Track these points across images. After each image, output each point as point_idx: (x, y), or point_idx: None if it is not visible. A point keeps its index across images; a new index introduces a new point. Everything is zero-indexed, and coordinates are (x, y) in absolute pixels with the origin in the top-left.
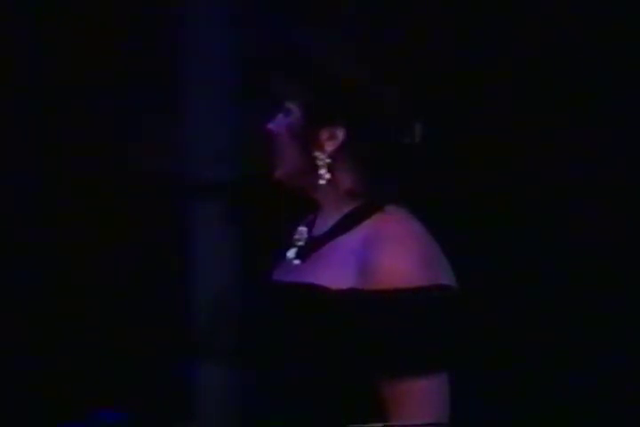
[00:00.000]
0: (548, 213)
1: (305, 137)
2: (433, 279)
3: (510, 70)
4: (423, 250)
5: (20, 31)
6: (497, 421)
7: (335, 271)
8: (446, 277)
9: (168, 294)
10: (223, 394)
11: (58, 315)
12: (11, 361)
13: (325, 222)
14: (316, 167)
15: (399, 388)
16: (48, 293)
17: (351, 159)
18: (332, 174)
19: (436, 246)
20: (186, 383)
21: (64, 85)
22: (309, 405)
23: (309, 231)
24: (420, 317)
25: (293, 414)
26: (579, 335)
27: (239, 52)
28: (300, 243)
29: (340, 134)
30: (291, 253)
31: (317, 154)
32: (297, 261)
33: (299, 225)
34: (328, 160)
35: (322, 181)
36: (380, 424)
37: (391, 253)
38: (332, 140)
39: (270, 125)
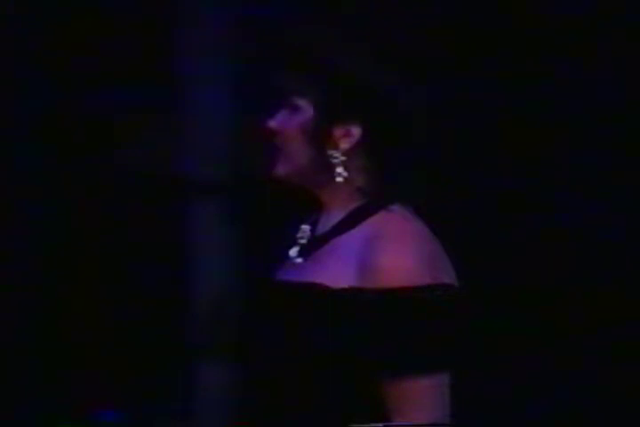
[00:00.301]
0: (550, 212)
1: (319, 135)
2: (435, 278)
3: (519, 70)
4: (425, 249)
5: (19, 31)
6: (498, 421)
7: (337, 270)
8: (448, 276)
9: (168, 294)
10: (223, 394)
11: (58, 315)
12: (11, 361)
13: (329, 221)
14: (328, 165)
15: (400, 387)
16: (48, 292)
17: (365, 157)
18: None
19: (438, 245)
20: (186, 383)
21: (64, 85)
22: (310, 404)
23: (312, 230)
24: (422, 316)
25: (294, 413)
26: (579, 335)
27: (239, 52)
28: (303, 241)
29: (356, 132)
30: (293, 252)
31: (332, 152)
32: (299, 260)
33: (301, 224)
34: (343, 158)
35: (339, 179)
36: (381, 424)
37: (393, 252)
38: (346, 137)
39: (272, 123)
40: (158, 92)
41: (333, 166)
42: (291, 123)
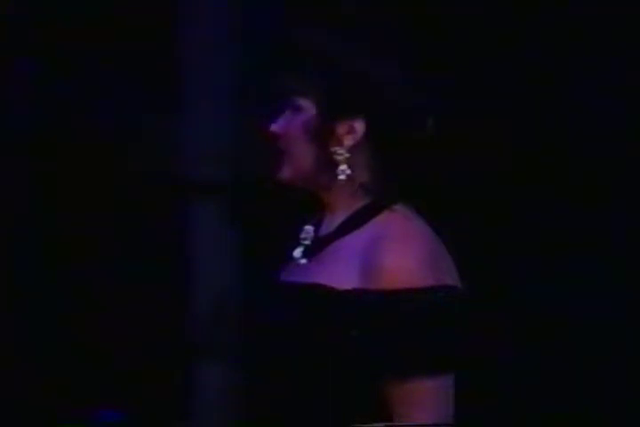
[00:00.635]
0: (552, 212)
1: (322, 133)
2: (438, 280)
3: (522, 69)
4: (428, 250)
5: (19, 31)
6: (499, 421)
7: (341, 271)
8: (451, 277)
9: (168, 294)
10: (223, 394)
11: (58, 315)
12: (11, 361)
13: (332, 222)
14: (334, 164)
15: (403, 389)
16: (48, 292)
17: (369, 153)
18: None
19: (442, 246)
20: (186, 383)
21: (64, 85)
22: (313, 405)
23: (316, 231)
24: (425, 317)
25: (296, 414)
26: (580, 335)
27: (240, 52)
28: (307, 242)
29: (359, 127)
30: (297, 253)
31: (336, 149)
32: (303, 261)
33: (304, 224)
34: (347, 155)
35: (342, 177)
36: (383, 424)
37: (396, 254)
38: (350, 133)
39: (275, 126)
40: (159, 92)
41: (337, 164)
42: (293, 124)
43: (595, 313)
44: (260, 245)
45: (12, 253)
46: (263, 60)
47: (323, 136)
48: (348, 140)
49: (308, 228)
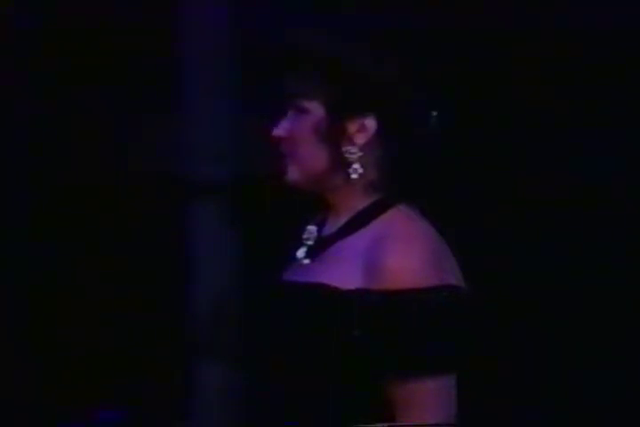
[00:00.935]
0: (553, 212)
1: (334, 132)
2: (441, 280)
3: (526, 70)
4: (432, 250)
5: (19, 31)
6: (502, 422)
7: (344, 271)
8: (454, 277)
9: (168, 294)
10: (223, 394)
11: (58, 314)
12: (11, 361)
13: (336, 222)
14: (346, 163)
15: (406, 389)
16: (48, 292)
17: (380, 151)
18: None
19: (445, 246)
20: (186, 383)
21: (64, 85)
22: (315, 405)
23: (319, 231)
24: (429, 317)
25: (299, 414)
26: (580, 336)
27: (239, 52)
28: (310, 242)
29: (371, 124)
30: (300, 253)
31: (348, 148)
32: (306, 261)
33: (306, 224)
34: (360, 153)
35: (354, 176)
36: (385, 424)
37: (399, 254)
38: (362, 131)
39: (279, 130)
40: (159, 92)
41: (349, 164)
42: (300, 126)
43: (595, 313)
44: (260, 245)
45: (12, 253)
46: (263, 62)
47: (334, 136)
48: (361, 139)
49: (311, 228)
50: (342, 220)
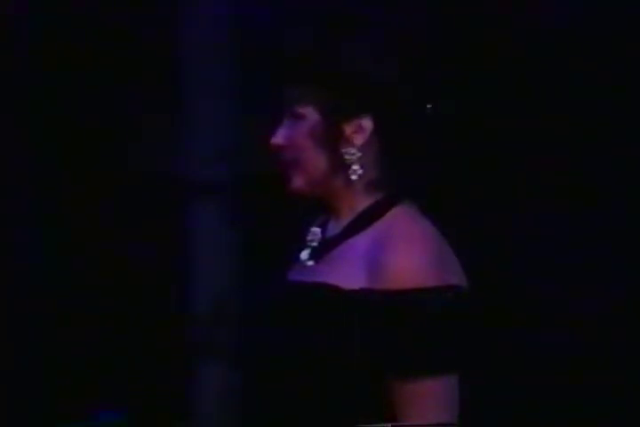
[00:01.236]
0: (555, 212)
1: (331, 136)
2: (443, 279)
3: (526, 70)
4: (434, 250)
5: (18, 31)
6: (504, 422)
7: (347, 271)
8: (456, 277)
9: (168, 294)
10: (223, 394)
11: (58, 314)
12: (11, 361)
13: (339, 223)
14: (346, 165)
15: (408, 389)
16: (48, 292)
17: (378, 150)
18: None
19: (447, 246)
20: (186, 383)
21: (64, 85)
22: (318, 405)
23: (322, 232)
24: (431, 317)
25: (301, 414)
26: (580, 336)
27: (239, 52)
28: (314, 244)
29: (367, 125)
30: (304, 255)
31: (347, 150)
32: (310, 263)
33: (309, 226)
34: (359, 154)
35: (354, 177)
36: (389, 425)
37: (402, 254)
38: (359, 133)
39: (277, 139)
40: (159, 92)
41: (349, 165)
42: (297, 132)
43: (595, 312)
44: (261, 245)
45: (12, 253)
46: (263, 63)
47: (332, 139)
48: (359, 140)
49: (315, 229)
50: (345, 221)
